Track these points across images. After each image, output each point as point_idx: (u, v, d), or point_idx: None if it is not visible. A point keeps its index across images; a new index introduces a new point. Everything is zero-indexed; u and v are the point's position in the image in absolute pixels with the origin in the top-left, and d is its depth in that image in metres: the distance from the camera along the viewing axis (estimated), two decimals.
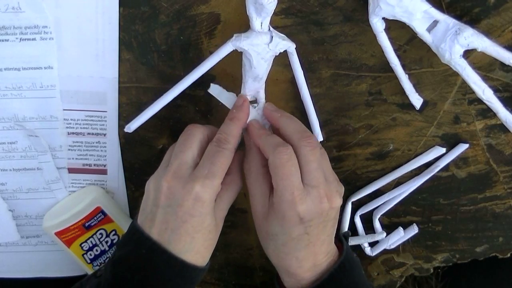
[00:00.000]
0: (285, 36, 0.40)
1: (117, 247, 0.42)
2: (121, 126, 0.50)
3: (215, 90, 0.44)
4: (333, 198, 0.40)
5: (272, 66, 0.46)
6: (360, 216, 0.52)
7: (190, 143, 0.41)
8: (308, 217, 0.39)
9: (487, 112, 0.46)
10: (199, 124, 0.43)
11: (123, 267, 0.40)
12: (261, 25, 0.39)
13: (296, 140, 0.40)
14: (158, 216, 0.40)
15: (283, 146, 0.39)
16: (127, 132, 0.50)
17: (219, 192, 0.41)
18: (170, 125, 0.50)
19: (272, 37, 0.39)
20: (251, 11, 0.38)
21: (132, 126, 0.43)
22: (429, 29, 0.40)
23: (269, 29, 0.39)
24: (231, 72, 0.47)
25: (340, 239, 0.45)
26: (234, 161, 0.42)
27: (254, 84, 0.42)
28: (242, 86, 0.43)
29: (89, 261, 0.55)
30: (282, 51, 0.41)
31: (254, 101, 0.43)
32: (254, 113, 0.43)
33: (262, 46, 0.39)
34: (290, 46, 0.41)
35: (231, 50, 0.40)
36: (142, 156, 0.52)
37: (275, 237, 0.40)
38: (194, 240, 0.39)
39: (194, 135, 0.41)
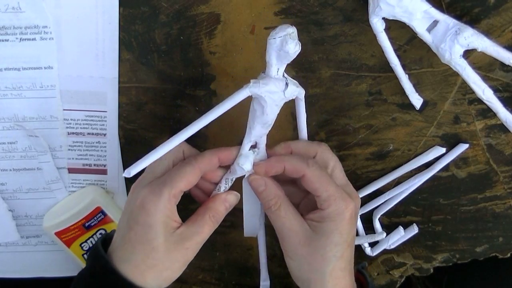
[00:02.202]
0: (296, 82, 0.39)
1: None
2: (121, 126, 0.50)
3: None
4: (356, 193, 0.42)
5: None
6: (360, 216, 0.52)
7: (167, 155, 0.40)
8: (354, 212, 0.40)
9: (487, 112, 0.46)
10: (184, 143, 0.42)
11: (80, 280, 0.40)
12: (277, 72, 0.37)
13: (316, 149, 0.42)
14: (120, 222, 0.40)
15: (309, 159, 0.40)
16: (127, 132, 0.50)
17: (189, 221, 0.40)
18: (170, 125, 0.50)
19: (287, 84, 0.38)
20: (271, 57, 0.36)
21: (132, 171, 0.40)
22: (429, 29, 0.40)
23: (283, 75, 0.38)
24: (231, 72, 0.47)
25: (359, 270, 0.45)
26: (218, 201, 0.41)
27: (261, 131, 0.40)
28: (247, 132, 0.40)
29: None
30: (294, 97, 0.40)
31: (254, 146, 0.41)
32: (251, 158, 0.41)
33: (278, 93, 0.38)
34: (301, 93, 0.40)
35: (247, 95, 0.38)
36: (142, 156, 0.51)
37: (330, 254, 0.39)
38: (134, 250, 0.38)
39: (173, 152, 0.41)
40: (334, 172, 0.42)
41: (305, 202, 0.43)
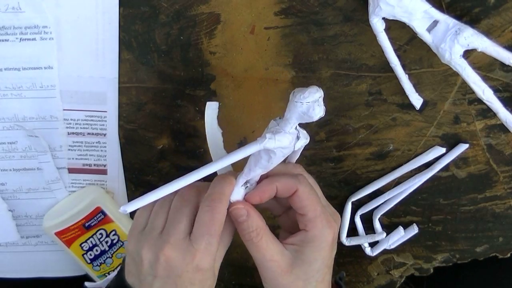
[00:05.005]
0: (305, 132, 0.38)
1: None
2: (121, 126, 0.50)
3: (210, 106, 0.42)
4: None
5: (272, 66, 0.46)
6: (360, 216, 0.52)
7: (186, 211, 0.38)
8: (336, 235, 0.39)
9: (487, 112, 0.46)
10: (193, 185, 0.39)
11: None
12: (292, 127, 0.36)
13: (293, 171, 0.41)
14: (155, 285, 0.38)
15: (299, 175, 0.39)
16: (127, 132, 0.50)
17: None
18: (170, 125, 0.50)
19: (299, 137, 0.37)
20: (292, 116, 0.35)
21: (128, 208, 0.38)
22: (429, 29, 0.40)
23: (296, 128, 0.37)
24: (231, 72, 0.47)
25: (337, 282, 0.45)
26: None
27: (260, 173, 0.39)
28: (246, 172, 0.39)
29: (89, 261, 0.55)
30: (300, 147, 0.39)
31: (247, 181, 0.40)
32: (243, 194, 0.39)
33: (289, 147, 0.37)
34: (306, 142, 0.39)
35: (260, 149, 0.37)
36: (142, 156, 0.52)
37: (312, 279, 0.39)
38: None
39: (189, 201, 0.39)
40: (318, 193, 0.41)
41: (284, 218, 0.43)
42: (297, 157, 0.42)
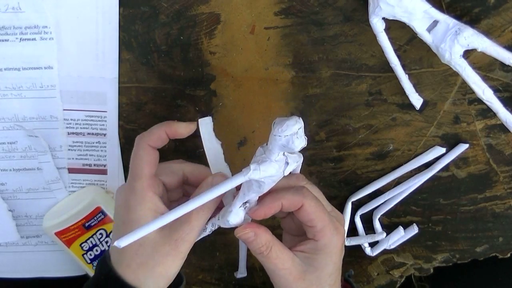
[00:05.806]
0: (297, 155, 0.36)
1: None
2: (121, 126, 0.50)
3: (204, 122, 0.41)
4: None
5: (272, 66, 0.46)
6: (360, 216, 0.52)
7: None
8: (344, 238, 0.40)
9: (487, 112, 0.46)
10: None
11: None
12: (278, 155, 0.34)
13: (296, 183, 0.40)
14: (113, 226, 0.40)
15: (302, 188, 0.39)
16: (127, 132, 0.50)
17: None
18: None
19: (288, 163, 0.35)
20: (275, 148, 0.34)
21: (122, 243, 0.36)
22: (429, 29, 0.40)
23: (284, 154, 0.35)
24: (231, 72, 0.47)
25: (347, 280, 0.46)
26: (205, 186, 0.39)
27: (256, 196, 0.37)
28: (241, 196, 0.37)
29: (89, 261, 0.55)
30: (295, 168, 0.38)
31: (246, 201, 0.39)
32: (242, 214, 0.38)
33: (277, 174, 0.35)
34: (299, 165, 0.38)
35: (246, 180, 0.35)
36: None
37: (324, 284, 0.39)
38: (123, 250, 0.37)
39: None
40: (322, 201, 0.40)
41: (287, 221, 0.43)
42: (299, 169, 0.42)
